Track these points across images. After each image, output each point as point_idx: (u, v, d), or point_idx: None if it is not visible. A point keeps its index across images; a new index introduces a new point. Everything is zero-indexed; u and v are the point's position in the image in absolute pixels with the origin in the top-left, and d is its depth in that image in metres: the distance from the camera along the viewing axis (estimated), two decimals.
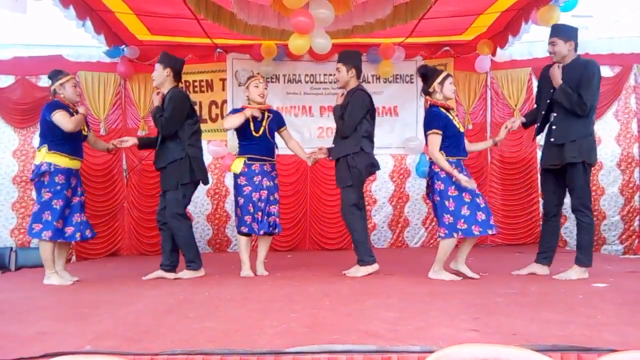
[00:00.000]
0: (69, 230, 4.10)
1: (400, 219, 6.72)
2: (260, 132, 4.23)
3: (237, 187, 4.26)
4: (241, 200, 4.22)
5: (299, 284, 3.78)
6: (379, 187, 6.69)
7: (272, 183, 4.30)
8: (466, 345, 1.48)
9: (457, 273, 3.89)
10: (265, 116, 4.27)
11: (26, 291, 3.78)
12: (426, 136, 3.85)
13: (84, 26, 5.07)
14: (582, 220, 3.76)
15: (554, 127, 3.82)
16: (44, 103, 4.27)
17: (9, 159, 6.31)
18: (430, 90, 3.90)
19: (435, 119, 3.82)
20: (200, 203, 6.54)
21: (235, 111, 4.38)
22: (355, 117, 4.10)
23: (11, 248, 6.23)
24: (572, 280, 3.68)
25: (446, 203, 3.75)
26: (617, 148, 6.53)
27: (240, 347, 2.01)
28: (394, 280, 3.85)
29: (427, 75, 3.93)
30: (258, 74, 4.53)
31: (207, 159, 6.49)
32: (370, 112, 4.20)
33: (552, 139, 3.82)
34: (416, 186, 6.64)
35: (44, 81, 6.15)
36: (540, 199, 6.40)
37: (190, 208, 6.44)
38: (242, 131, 4.24)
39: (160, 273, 4.19)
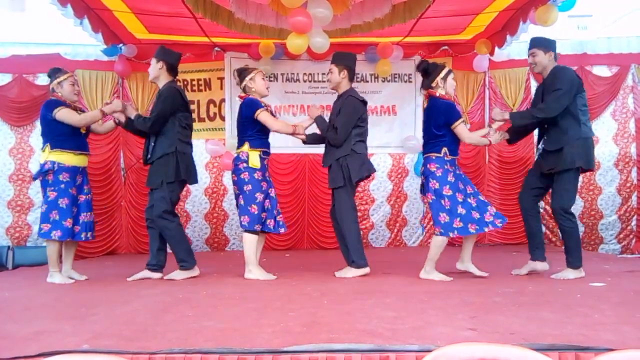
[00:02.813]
0: (77, 229, 4.07)
1: (398, 218, 6.73)
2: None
3: (254, 182, 3.95)
4: (260, 196, 3.95)
5: (297, 283, 3.78)
6: (377, 187, 6.70)
7: (270, 179, 4.18)
8: (464, 344, 1.48)
9: (465, 273, 3.89)
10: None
11: (23, 290, 3.77)
12: (451, 128, 3.76)
13: (81, 24, 5.07)
14: (563, 225, 3.74)
15: (546, 136, 3.85)
16: (41, 101, 4.23)
17: (5, 157, 6.30)
18: (433, 85, 3.87)
19: (454, 108, 3.83)
20: (198, 202, 6.54)
21: (256, 103, 4.01)
22: (348, 127, 4.00)
23: (8, 246, 6.22)
24: (570, 280, 3.68)
25: (442, 202, 3.74)
26: (614, 148, 6.54)
27: (238, 346, 2.00)
28: (392, 279, 3.85)
29: (429, 71, 3.90)
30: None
31: (206, 157, 6.51)
32: (361, 117, 4.08)
33: (546, 146, 3.83)
34: (414, 185, 6.64)
35: (41, 79, 6.15)
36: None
37: (188, 207, 6.49)
38: (264, 125, 4.00)
39: (146, 273, 4.04)
